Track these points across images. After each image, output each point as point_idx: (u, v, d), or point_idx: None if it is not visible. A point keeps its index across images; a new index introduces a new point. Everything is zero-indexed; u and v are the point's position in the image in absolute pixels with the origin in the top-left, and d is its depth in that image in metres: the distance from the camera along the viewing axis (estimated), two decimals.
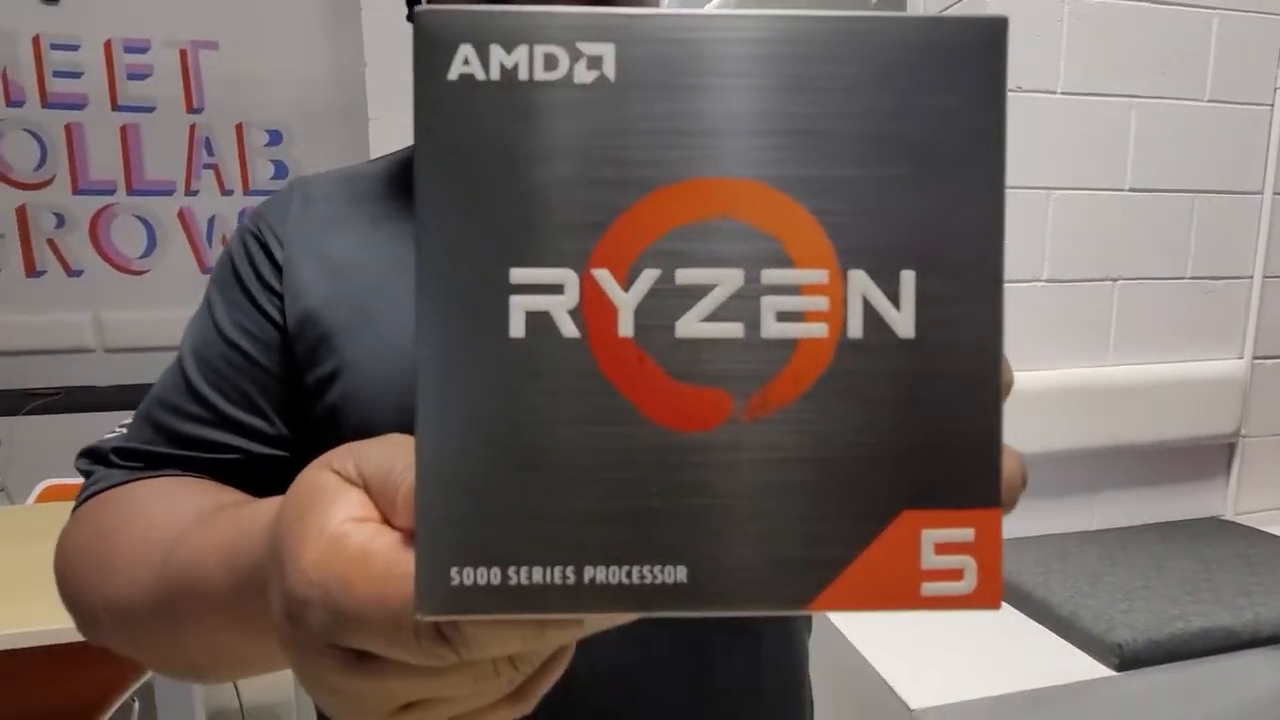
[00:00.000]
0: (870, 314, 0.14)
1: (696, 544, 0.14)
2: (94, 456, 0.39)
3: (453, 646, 0.15)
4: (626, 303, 0.14)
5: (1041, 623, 1.10)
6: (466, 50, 0.14)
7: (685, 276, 0.14)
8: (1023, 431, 1.30)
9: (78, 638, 1.03)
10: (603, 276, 0.14)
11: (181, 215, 2.78)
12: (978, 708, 0.93)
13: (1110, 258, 1.33)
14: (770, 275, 0.14)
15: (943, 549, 0.15)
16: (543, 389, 0.14)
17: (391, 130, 2.09)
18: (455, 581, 0.14)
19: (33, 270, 2.70)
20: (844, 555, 0.14)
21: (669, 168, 0.14)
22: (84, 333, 2.74)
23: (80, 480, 0.39)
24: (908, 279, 0.14)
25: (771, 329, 0.14)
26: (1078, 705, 0.97)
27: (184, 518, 0.30)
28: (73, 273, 2.73)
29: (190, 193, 2.77)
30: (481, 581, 0.14)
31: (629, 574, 0.14)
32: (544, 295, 0.14)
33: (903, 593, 0.15)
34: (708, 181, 0.14)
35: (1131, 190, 1.32)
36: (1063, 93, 1.24)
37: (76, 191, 2.69)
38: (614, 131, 0.14)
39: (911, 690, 0.93)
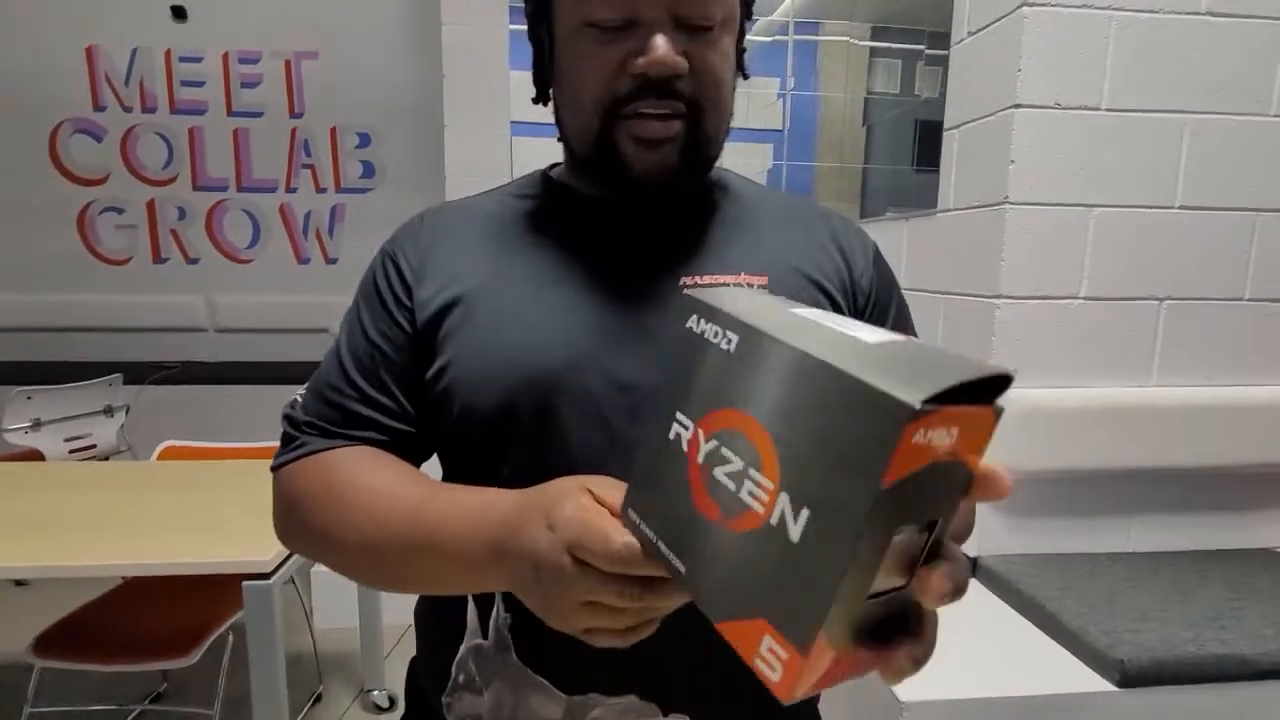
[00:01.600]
0: (781, 518, 0.25)
1: (701, 570, 0.28)
2: (291, 423, 0.52)
3: (626, 561, 0.31)
4: (702, 449, 0.28)
5: (1051, 635, 1.12)
6: (694, 317, 0.30)
7: (724, 453, 0.27)
8: (1055, 449, 1.30)
9: (192, 573, 1.23)
10: (700, 433, 0.29)
11: (282, 210, 3.08)
12: (968, 708, 0.97)
13: (1158, 277, 1.31)
14: (751, 471, 0.26)
15: (770, 650, 0.25)
16: (672, 473, 0.30)
17: (463, 136, 2.26)
18: (638, 529, 0.31)
19: (158, 257, 3.07)
20: (733, 614, 0.27)
21: (735, 401, 0.27)
22: (198, 313, 3.09)
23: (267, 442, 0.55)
24: (804, 514, 0.24)
25: (743, 494, 0.26)
26: (1072, 717, 0.99)
27: (399, 480, 0.46)
28: (191, 260, 3.08)
29: (290, 190, 3.07)
30: (650, 536, 0.30)
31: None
32: (681, 429, 0.29)
33: (748, 655, 0.26)
34: (742, 414, 0.27)
35: (1181, 208, 1.28)
36: (1106, 109, 1.23)
37: (196, 188, 3.04)
38: (726, 374, 0.28)
39: (903, 684, 0.98)
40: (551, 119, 0.53)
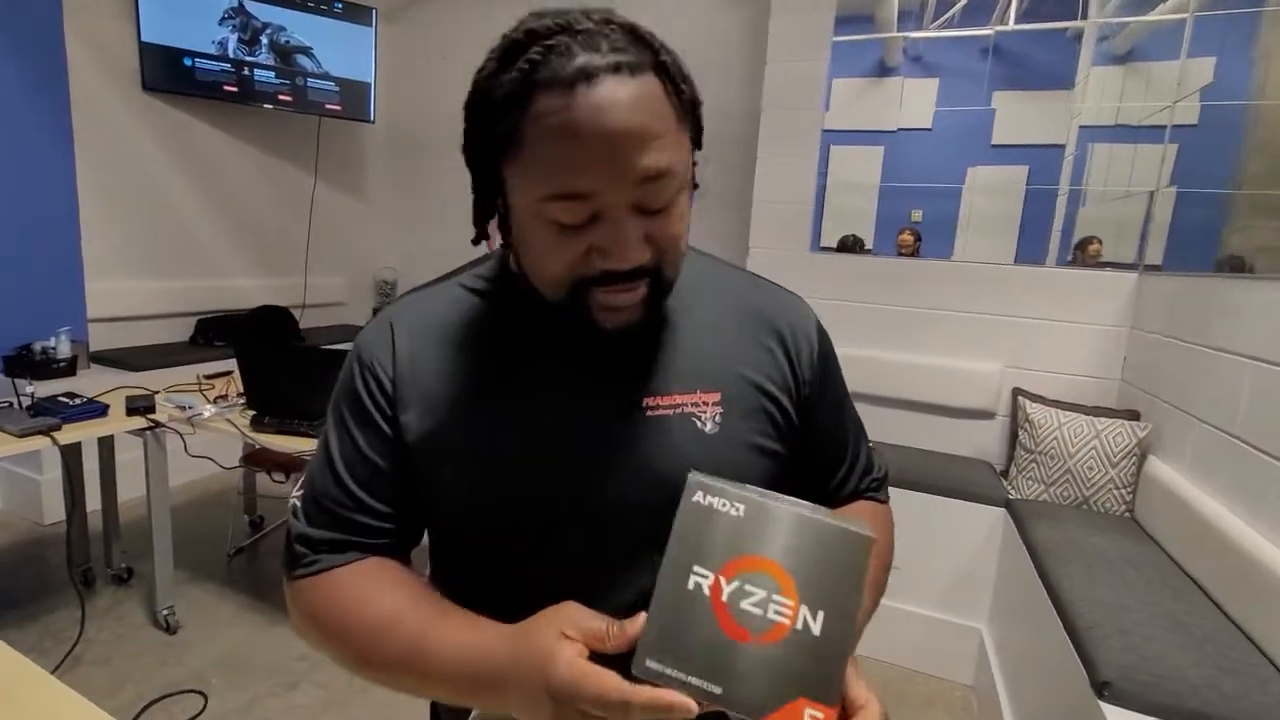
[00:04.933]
0: (805, 621, 0.37)
1: (739, 684, 0.36)
2: (303, 540, 0.53)
3: (634, 707, 0.36)
4: (726, 590, 0.38)
5: None
6: (700, 493, 0.41)
7: (747, 588, 0.38)
8: None
9: None
10: (721, 579, 0.38)
11: None
12: None
13: None
14: (774, 596, 0.37)
15: (811, 717, 0.36)
16: (696, 616, 0.38)
17: (774, 166, 2.40)
18: (663, 674, 0.37)
19: None
20: (776, 706, 0.36)
21: (750, 549, 0.39)
22: None
23: None
24: (820, 614, 0.37)
25: (770, 614, 0.37)
26: None
27: (403, 606, 0.49)
28: None
29: None
30: (676, 675, 0.37)
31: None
32: (700, 578, 0.38)
33: None
34: (759, 558, 0.38)
35: None
36: None
37: None
38: (739, 533, 0.39)
39: None
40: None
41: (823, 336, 0.61)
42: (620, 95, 0.41)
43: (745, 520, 0.38)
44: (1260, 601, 1.26)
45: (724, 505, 0.39)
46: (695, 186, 0.51)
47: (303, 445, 1.72)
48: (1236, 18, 3.93)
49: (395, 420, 0.52)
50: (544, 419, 0.52)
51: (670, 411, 0.52)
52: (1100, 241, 3.98)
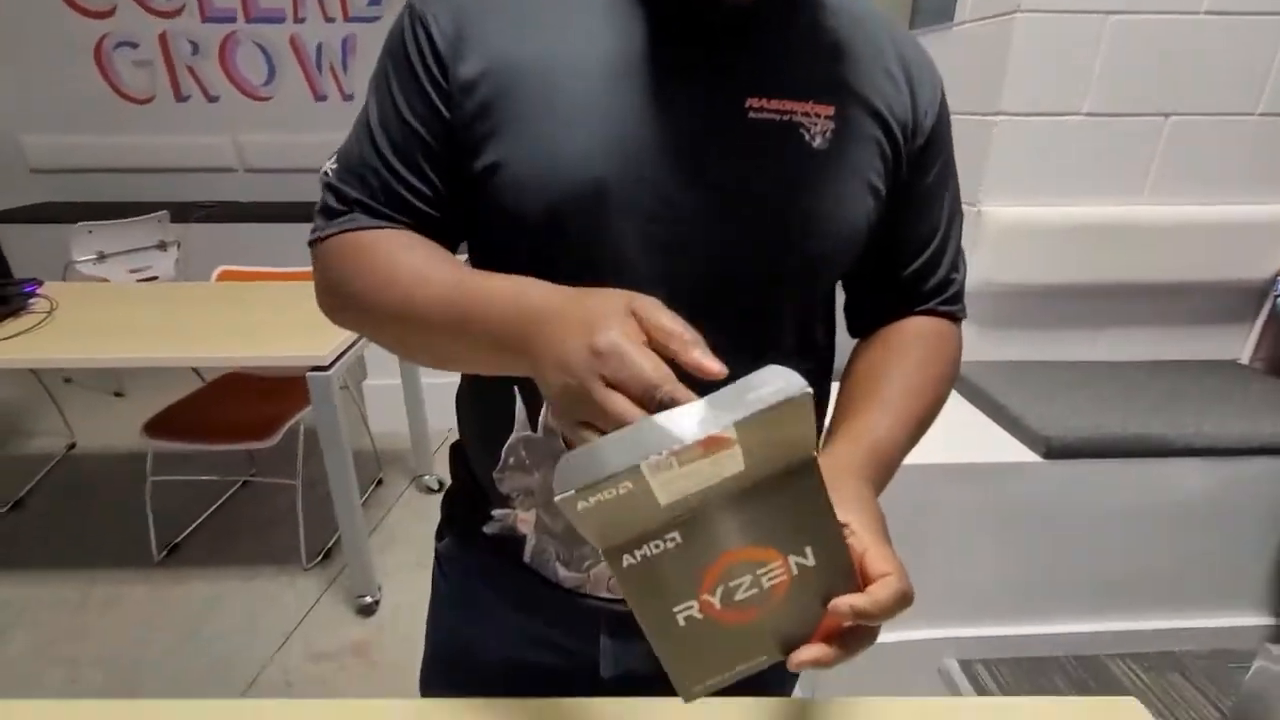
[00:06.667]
0: (798, 566, 0.34)
1: (768, 648, 0.36)
2: (337, 196, 0.50)
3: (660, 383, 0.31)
4: (716, 601, 0.34)
5: (994, 419, 1.29)
6: (629, 554, 0.34)
7: (731, 585, 0.34)
8: (1031, 264, 1.38)
9: (263, 365, 1.47)
10: (703, 596, 0.34)
11: (293, 43, 3.01)
12: (908, 471, 1.16)
13: (1167, 91, 1.29)
14: (757, 570, 0.34)
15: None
16: (707, 637, 0.35)
17: None
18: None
19: (180, 95, 3.09)
20: (809, 632, 0.36)
21: (708, 560, 0.33)
22: (227, 154, 3.16)
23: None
24: (808, 549, 0.34)
25: (765, 582, 0.34)
26: (1001, 481, 1.18)
27: (438, 261, 0.46)
28: (211, 98, 3.09)
29: (299, 20, 2.97)
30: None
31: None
32: (687, 609, 0.34)
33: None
34: (721, 559, 0.33)
35: (1208, 13, 1.23)
36: None
37: (205, 19, 2.97)
38: (686, 559, 0.33)
39: None
40: None
41: (944, 96, 0.54)
42: None
43: (684, 545, 0.33)
44: None
45: (658, 545, 0.33)
46: None
47: None
48: None
49: (446, 81, 0.46)
50: (629, 98, 0.45)
51: (775, 117, 0.46)
52: None
